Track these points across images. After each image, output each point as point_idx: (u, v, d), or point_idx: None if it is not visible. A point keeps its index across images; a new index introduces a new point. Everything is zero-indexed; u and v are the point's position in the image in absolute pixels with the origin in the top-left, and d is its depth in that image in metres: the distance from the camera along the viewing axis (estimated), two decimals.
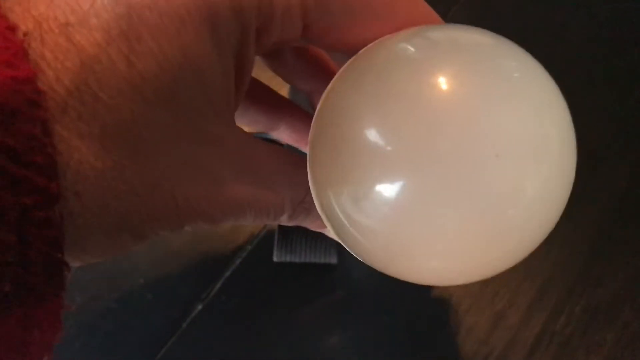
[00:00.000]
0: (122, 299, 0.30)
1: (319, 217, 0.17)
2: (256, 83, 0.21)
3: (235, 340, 0.29)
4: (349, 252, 0.17)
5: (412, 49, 0.15)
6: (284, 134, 0.22)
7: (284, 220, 0.18)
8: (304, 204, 0.18)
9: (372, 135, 0.14)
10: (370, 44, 0.16)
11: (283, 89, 0.34)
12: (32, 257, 0.12)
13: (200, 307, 0.29)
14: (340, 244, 0.18)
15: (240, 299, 0.30)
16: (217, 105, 0.15)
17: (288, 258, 0.30)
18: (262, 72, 0.20)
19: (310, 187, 0.16)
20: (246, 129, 0.18)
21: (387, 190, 0.14)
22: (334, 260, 0.29)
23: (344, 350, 0.28)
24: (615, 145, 0.33)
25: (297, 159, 0.18)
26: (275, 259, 0.30)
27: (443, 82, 0.14)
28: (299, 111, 0.21)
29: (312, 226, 0.19)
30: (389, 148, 0.14)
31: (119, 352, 0.29)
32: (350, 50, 0.16)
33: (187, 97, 0.14)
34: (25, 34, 0.12)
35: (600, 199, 0.31)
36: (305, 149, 0.17)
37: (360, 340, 0.29)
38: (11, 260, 0.11)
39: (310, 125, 0.16)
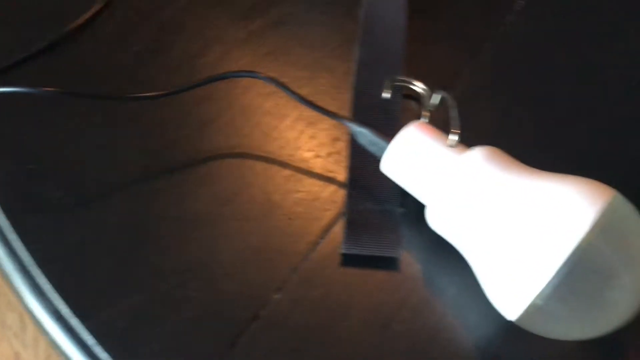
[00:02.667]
0: (203, 288, 0.32)
1: None
2: None
3: (310, 328, 0.31)
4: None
5: None
6: None
7: None
8: None
9: None
10: None
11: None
12: None
13: (278, 296, 0.31)
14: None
15: (314, 289, 0.31)
16: None
17: (356, 250, 0.32)
18: None
19: None
20: None
21: None
22: (398, 254, 0.32)
23: (414, 337, 0.30)
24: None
25: None
26: (343, 250, 0.32)
27: None
28: None
29: None
30: None
31: (201, 338, 0.30)
32: None
33: None
34: None
35: None
36: None
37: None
38: None
39: None
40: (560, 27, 0.41)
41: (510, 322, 0.28)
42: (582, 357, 0.30)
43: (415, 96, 0.37)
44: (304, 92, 0.38)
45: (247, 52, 0.39)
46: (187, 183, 0.35)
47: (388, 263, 0.32)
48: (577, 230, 0.25)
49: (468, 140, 0.36)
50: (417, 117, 0.34)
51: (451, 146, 0.30)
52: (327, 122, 0.37)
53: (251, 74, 0.36)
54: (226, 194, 0.34)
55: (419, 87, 0.36)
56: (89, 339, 0.30)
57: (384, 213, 0.33)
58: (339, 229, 0.33)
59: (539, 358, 0.30)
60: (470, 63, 0.39)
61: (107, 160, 0.35)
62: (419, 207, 0.31)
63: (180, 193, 0.34)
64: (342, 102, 0.38)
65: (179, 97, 0.37)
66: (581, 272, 0.25)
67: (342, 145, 0.36)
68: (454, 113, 0.32)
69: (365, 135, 0.32)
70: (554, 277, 0.25)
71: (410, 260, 0.33)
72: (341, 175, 0.35)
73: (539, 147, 0.36)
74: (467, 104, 0.37)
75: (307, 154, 0.36)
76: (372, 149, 0.32)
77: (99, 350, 0.30)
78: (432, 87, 0.36)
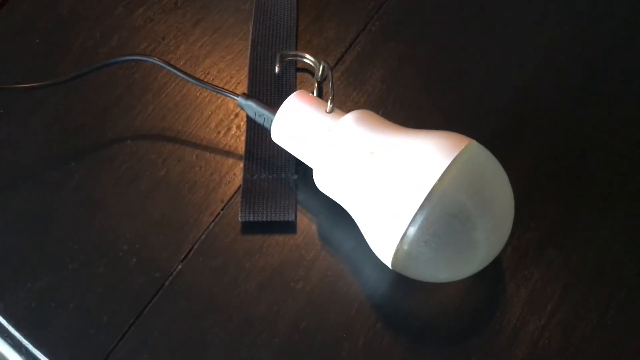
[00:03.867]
0: (110, 264, 0.33)
1: None
2: None
3: (212, 294, 0.33)
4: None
5: None
6: None
7: None
8: None
9: None
10: None
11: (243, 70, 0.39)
12: None
13: (180, 267, 0.33)
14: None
15: (215, 257, 0.33)
16: None
17: (252, 217, 0.34)
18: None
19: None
20: None
21: None
22: (292, 217, 0.34)
23: (311, 291, 0.33)
24: (544, 99, 0.38)
25: None
26: (240, 219, 0.34)
27: None
28: None
29: None
30: None
31: (109, 310, 0.32)
32: None
33: None
34: None
35: (530, 153, 0.36)
36: None
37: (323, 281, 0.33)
38: None
39: None
40: None
41: (394, 270, 0.30)
42: (458, 302, 0.33)
43: (311, 69, 0.39)
44: (202, 71, 0.39)
45: (145, 37, 0.40)
46: (91, 168, 0.36)
47: (285, 227, 0.34)
48: (429, 178, 0.27)
49: (361, 104, 0.38)
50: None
51: (329, 112, 0.32)
52: (225, 99, 0.38)
53: (138, 57, 0.37)
54: (129, 174, 0.36)
55: (308, 59, 0.38)
56: (1, 320, 0.32)
57: (278, 181, 0.35)
58: (239, 200, 0.35)
59: (423, 303, 0.33)
60: (361, 34, 0.41)
61: (12, 151, 0.36)
62: (312, 172, 0.33)
63: (84, 177, 0.36)
64: (239, 79, 0.39)
65: (81, 85, 0.38)
66: (438, 216, 0.27)
67: (241, 120, 0.38)
68: (331, 82, 0.34)
69: (252, 108, 0.34)
70: (412, 222, 0.27)
71: (307, 222, 0.35)
72: (240, 148, 0.37)
73: (426, 107, 0.38)
74: (359, 72, 0.40)
75: (207, 130, 0.37)
76: (260, 120, 0.34)
77: (13, 330, 0.32)
78: (320, 59, 0.38)
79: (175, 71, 0.35)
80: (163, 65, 0.35)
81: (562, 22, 0.41)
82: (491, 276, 0.33)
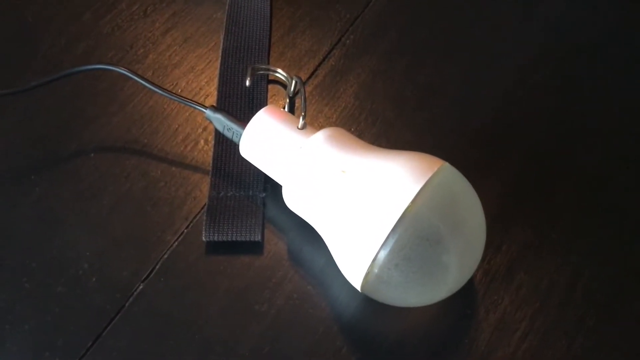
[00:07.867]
0: (69, 284, 0.32)
1: None
2: None
3: (173, 315, 0.31)
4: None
5: None
6: None
7: None
8: None
9: None
10: None
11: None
12: None
13: (141, 287, 0.32)
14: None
15: (178, 277, 0.32)
16: None
17: (216, 237, 0.33)
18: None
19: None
20: None
21: None
22: (258, 237, 0.33)
23: (276, 314, 0.32)
24: (518, 119, 0.38)
25: None
26: (204, 238, 0.33)
27: None
28: None
29: None
30: None
31: (67, 331, 0.31)
32: None
33: None
34: None
35: (501, 175, 0.36)
36: None
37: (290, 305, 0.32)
38: None
39: None
40: (420, 8, 0.42)
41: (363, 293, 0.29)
42: (426, 327, 0.32)
43: (283, 82, 0.39)
44: (170, 81, 0.38)
45: (113, 45, 0.39)
46: (52, 181, 0.35)
47: (251, 247, 0.33)
48: (402, 201, 0.26)
49: (333, 120, 0.37)
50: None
51: (301, 128, 0.31)
52: (194, 112, 0.37)
53: (103, 66, 0.36)
54: (91, 189, 0.35)
55: (280, 74, 0.37)
56: None
57: (245, 198, 0.34)
58: (204, 218, 0.34)
59: (390, 328, 0.32)
60: (335, 47, 0.40)
61: None
62: (281, 189, 0.32)
63: (45, 192, 0.34)
64: (209, 90, 0.38)
65: (44, 95, 0.37)
66: (409, 239, 0.26)
67: (209, 134, 0.37)
68: (303, 98, 0.33)
69: (221, 121, 0.33)
70: (383, 245, 0.26)
71: (276, 241, 0.34)
72: (208, 163, 0.36)
73: (397, 125, 0.37)
74: (332, 86, 0.39)
75: (174, 144, 0.36)
76: (229, 134, 0.33)
77: None
78: (292, 73, 0.37)
79: (142, 81, 0.34)
80: (129, 75, 0.34)
81: (538, 39, 0.41)
82: (461, 300, 0.32)
